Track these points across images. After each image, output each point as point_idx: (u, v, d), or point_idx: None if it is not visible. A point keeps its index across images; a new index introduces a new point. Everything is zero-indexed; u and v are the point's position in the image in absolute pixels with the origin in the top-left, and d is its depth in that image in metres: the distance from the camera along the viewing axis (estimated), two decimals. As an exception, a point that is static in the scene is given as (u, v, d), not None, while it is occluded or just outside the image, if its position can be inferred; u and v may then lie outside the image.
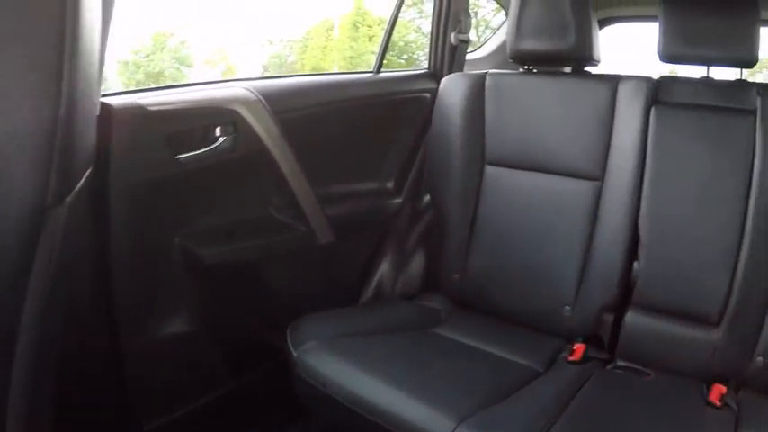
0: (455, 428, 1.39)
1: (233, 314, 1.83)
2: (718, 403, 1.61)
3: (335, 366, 1.60)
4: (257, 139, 1.73)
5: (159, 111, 1.57)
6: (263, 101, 1.75)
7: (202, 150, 1.66)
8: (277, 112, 1.77)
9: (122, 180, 1.53)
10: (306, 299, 1.87)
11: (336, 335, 1.71)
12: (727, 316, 1.70)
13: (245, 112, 1.70)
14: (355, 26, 5.19)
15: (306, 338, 1.67)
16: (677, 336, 1.76)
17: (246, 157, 1.73)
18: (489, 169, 1.99)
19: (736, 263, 1.69)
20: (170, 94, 1.68)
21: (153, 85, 4.24)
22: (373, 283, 2.12)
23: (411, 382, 1.53)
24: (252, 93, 1.74)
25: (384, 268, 2.13)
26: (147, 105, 1.55)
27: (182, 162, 1.62)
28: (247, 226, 1.82)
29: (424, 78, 2.24)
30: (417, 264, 2.15)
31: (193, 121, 1.65)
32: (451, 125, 2.00)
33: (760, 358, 1.67)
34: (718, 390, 1.64)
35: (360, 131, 2.05)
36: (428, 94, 2.16)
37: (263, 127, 1.74)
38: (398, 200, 2.17)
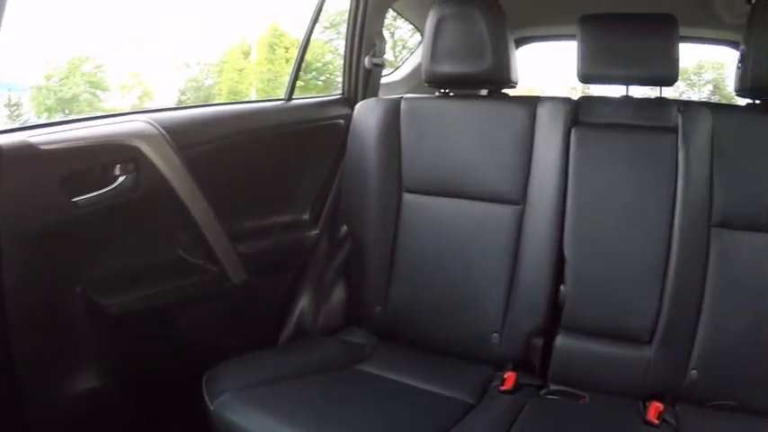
0: None
1: (146, 365, 1.73)
2: (657, 421, 1.62)
3: (256, 419, 1.51)
4: (160, 176, 1.65)
5: (52, 149, 1.48)
6: (166, 134, 1.66)
7: (101, 191, 1.57)
8: (181, 146, 1.69)
9: (14, 227, 1.43)
10: (223, 343, 1.79)
11: (256, 382, 1.62)
12: (659, 332, 1.72)
13: (146, 148, 1.62)
14: (272, 48, 5.16)
15: (223, 389, 1.59)
16: (609, 356, 1.77)
17: (150, 197, 1.65)
18: (407, 197, 1.96)
19: (664, 280, 1.72)
20: (64, 130, 1.57)
21: (67, 111, 4.08)
22: (293, 321, 2.04)
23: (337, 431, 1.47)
24: (154, 126, 1.65)
25: (303, 304, 2.05)
26: (39, 144, 1.46)
27: (79, 205, 1.52)
28: (155, 270, 1.73)
29: (337, 104, 2.19)
30: (338, 297, 2.09)
31: (90, 160, 1.56)
32: (367, 152, 1.97)
33: (694, 371, 1.70)
34: (656, 407, 1.65)
35: (271, 162, 1.98)
36: (342, 121, 2.11)
37: (167, 163, 1.65)
38: (315, 232, 2.10)
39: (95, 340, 1.64)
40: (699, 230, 1.71)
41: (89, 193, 1.54)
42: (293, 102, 2.08)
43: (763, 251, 1.69)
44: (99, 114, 1.75)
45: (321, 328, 2.04)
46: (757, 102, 1.80)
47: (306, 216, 2.10)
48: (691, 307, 1.70)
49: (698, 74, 5.92)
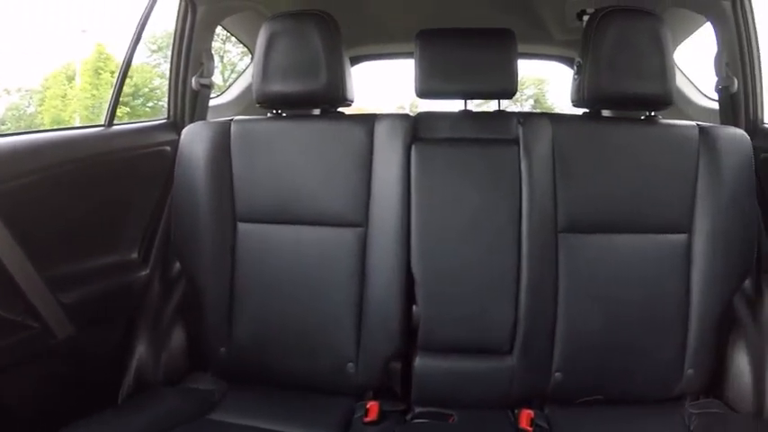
0: None
1: None
2: (530, 428, 1.69)
3: None
4: None
5: None
6: None
7: None
8: None
9: None
10: (56, 409, 1.59)
11: None
12: (518, 341, 1.79)
13: None
14: (97, 72, 4.95)
15: None
16: (472, 370, 1.82)
17: None
18: (242, 226, 1.90)
19: (517, 289, 1.79)
20: None
21: None
22: (132, 374, 1.88)
23: None
24: None
25: (141, 353, 1.90)
26: None
27: None
28: None
29: (163, 129, 2.07)
30: (178, 341, 1.97)
31: None
32: (196, 180, 1.88)
33: (558, 374, 1.79)
34: (527, 414, 1.72)
35: (92, 196, 1.81)
36: (168, 147, 2.00)
37: None
38: (145, 272, 1.95)
39: None
40: (546, 237, 1.80)
41: None
42: (114, 128, 1.91)
43: (607, 251, 1.81)
44: None
45: (164, 377, 1.91)
46: (592, 111, 1.93)
47: (134, 255, 1.95)
48: (547, 312, 1.79)
49: (520, 90, 6.34)
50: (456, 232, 1.83)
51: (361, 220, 1.84)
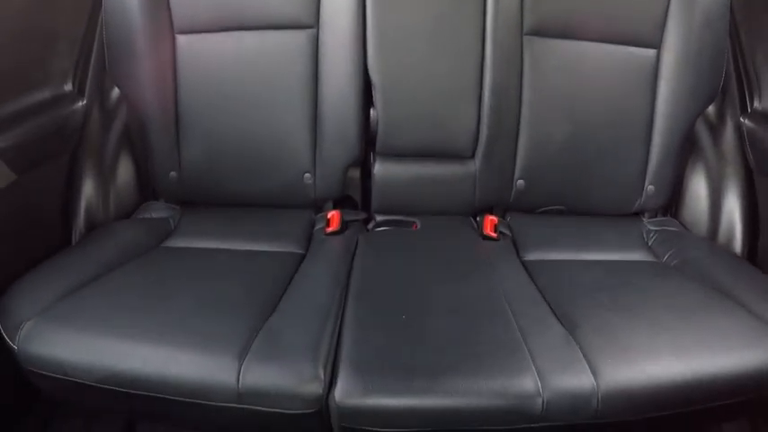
0: (240, 368, 1.24)
1: None
2: (495, 234, 1.74)
3: (76, 343, 1.31)
4: None
5: None
6: None
7: None
8: None
9: None
10: (5, 262, 1.55)
11: (59, 297, 1.42)
12: (481, 146, 1.80)
13: None
14: None
15: (22, 317, 1.36)
16: (433, 176, 1.84)
17: None
18: (182, 39, 1.84)
19: (480, 92, 1.77)
20: None
21: None
22: (81, 213, 1.85)
23: (167, 329, 1.32)
24: None
25: (89, 191, 1.85)
26: None
27: None
28: None
29: None
30: (126, 172, 1.94)
31: None
32: None
33: (521, 181, 1.82)
34: (491, 221, 1.77)
35: (10, 25, 1.67)
36: None
37: None
38: (82, 102, 1.87)
39: None
40: (512, 40, 1.76)
41: None
42: None
43: (573, 58, 1.79)
44: None
45: (115, 211, 1.90)
46: None
47: (68, 87, 1.86)
48: (510, 117, 1.79)
49: None
50: (415, 31, 1.79)
51: (311, 20, 1.78)
